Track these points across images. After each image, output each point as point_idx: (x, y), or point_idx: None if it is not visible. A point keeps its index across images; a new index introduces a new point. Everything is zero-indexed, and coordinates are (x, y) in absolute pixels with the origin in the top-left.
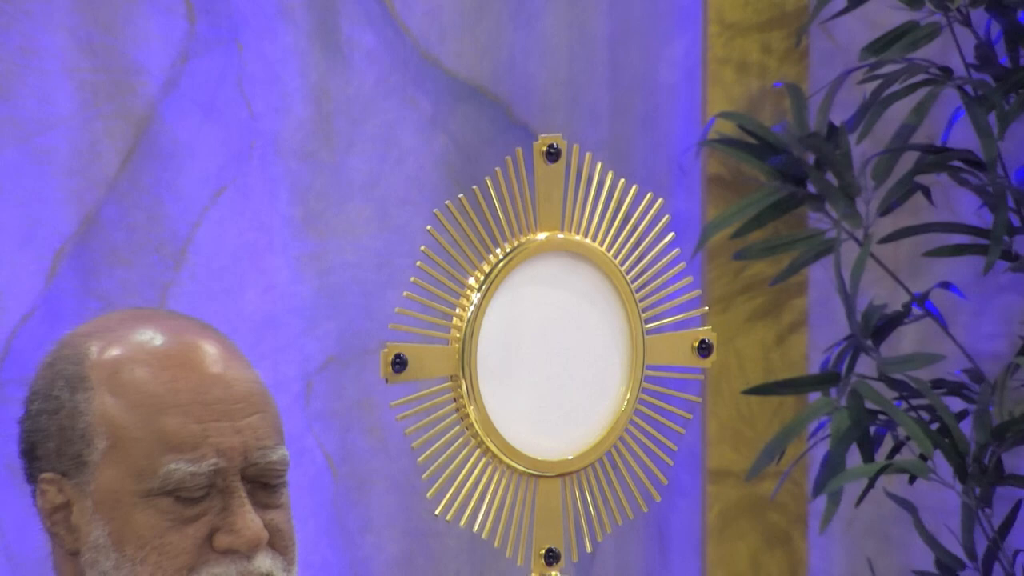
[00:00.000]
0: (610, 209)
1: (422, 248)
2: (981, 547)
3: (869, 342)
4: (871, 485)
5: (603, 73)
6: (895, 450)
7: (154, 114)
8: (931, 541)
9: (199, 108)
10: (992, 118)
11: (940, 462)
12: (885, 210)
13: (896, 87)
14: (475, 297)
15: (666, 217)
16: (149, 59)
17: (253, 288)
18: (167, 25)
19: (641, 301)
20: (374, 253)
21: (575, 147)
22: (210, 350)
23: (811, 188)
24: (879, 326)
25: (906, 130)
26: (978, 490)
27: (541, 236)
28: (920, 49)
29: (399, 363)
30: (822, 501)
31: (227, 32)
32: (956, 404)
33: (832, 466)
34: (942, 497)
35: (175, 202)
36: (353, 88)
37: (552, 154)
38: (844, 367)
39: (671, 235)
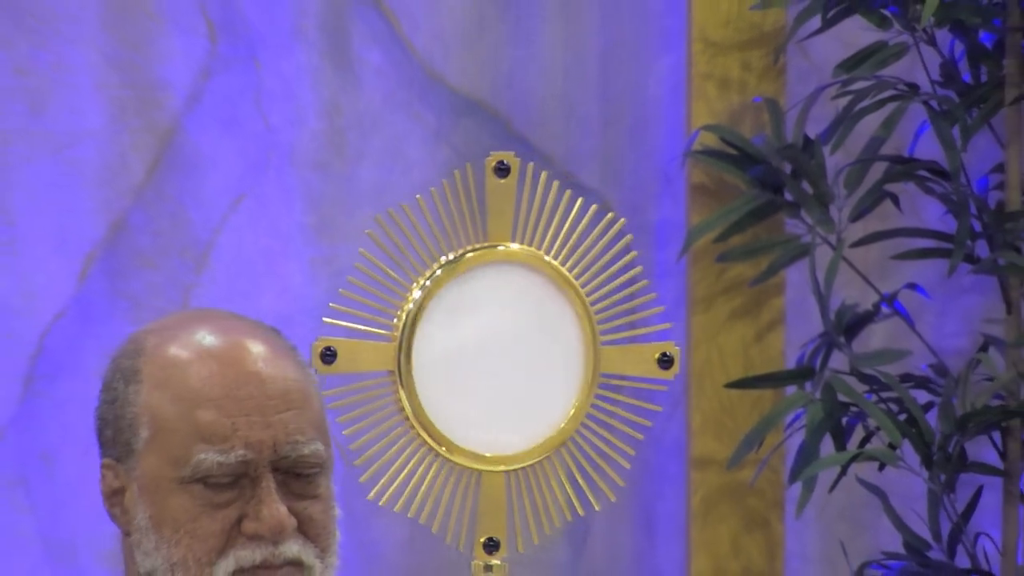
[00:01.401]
0: (566, 225)
1: (361, 251)
2: (946, 529)
3: (842, 339)
4: (843, 472)
5: (595, 88)
6: (866, 440)
7: (178, 127)
8: (899, 524)
9: (220, 122)
10: (956, 131)
11: (908, 451)
12: (856, 216)
13: (866, 102)
14: (415, 295)
15: (628, 236)
16: (173, 76)
17: (269, 290)
18: (190, 44)
19: (598, 313)
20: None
21: (530, 165)
22: (253, 349)
23: (788, 196)
24: (851, 324)
25: (876, 142)
26: (943, 477)
27: (490, 247)
28: (889, 67)
29: (329, 355)
30: (798, 487)
31: (246, 51)
32: (922, 397)
33: (807, 455)
34: (909, 483)
35: (197, 209)
36: (363, 103)
37: (502, 170)
38: (818, 362)
39: (633, 253)
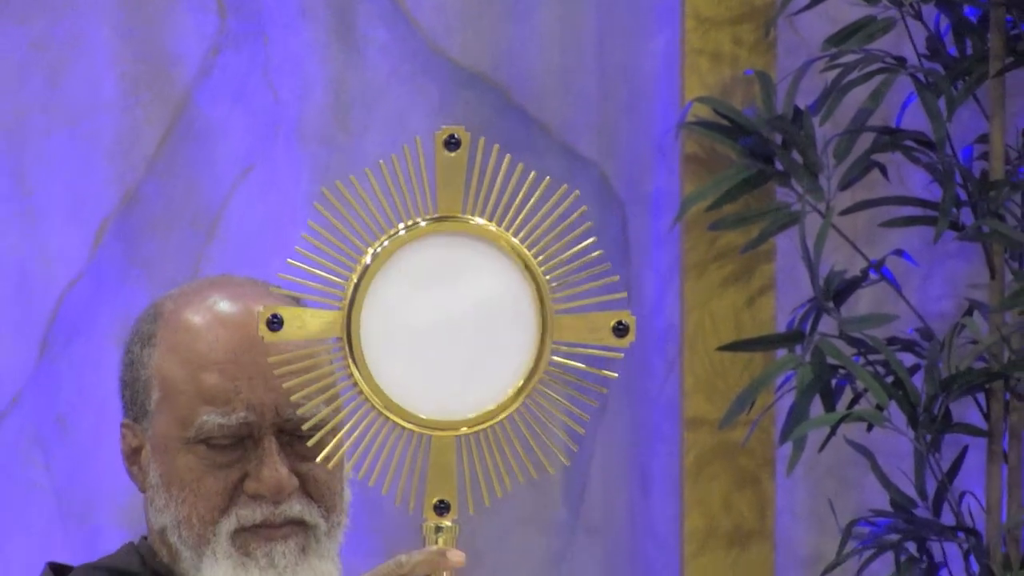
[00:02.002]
0: (519, 197)
1: (310, 223)
2: (931, 488)
3: (830, 304)
4: (832, 432)
5: (592, 62)
6: (854, 401)
7: (189, 101)
8: (886, 483)
9: (229, 95)
10: (941, 103)
11: (894, 412)
12: (845, 185)
13: (855, 75)
14: (364, 264)
15: (583, 208)
16: (185, 51)
17: (277, 256)
18: (201, 21)
19: (552, 282)
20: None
21: (481, 139)
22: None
23: (778, 166)
24: (839, 289)
25: (864, 113)
26: (928, 437)
27: (439, 218)
28: (876, 41)
29: (275, 322)
30: (788, 447)
31: (255, 27)
32: (908, 359)
33: (797, 415)
34: (896, 443)
35: (208, 179)
36: (368, 77)
37: (452, 143)
38: (808, 326)
39: (588, 224)
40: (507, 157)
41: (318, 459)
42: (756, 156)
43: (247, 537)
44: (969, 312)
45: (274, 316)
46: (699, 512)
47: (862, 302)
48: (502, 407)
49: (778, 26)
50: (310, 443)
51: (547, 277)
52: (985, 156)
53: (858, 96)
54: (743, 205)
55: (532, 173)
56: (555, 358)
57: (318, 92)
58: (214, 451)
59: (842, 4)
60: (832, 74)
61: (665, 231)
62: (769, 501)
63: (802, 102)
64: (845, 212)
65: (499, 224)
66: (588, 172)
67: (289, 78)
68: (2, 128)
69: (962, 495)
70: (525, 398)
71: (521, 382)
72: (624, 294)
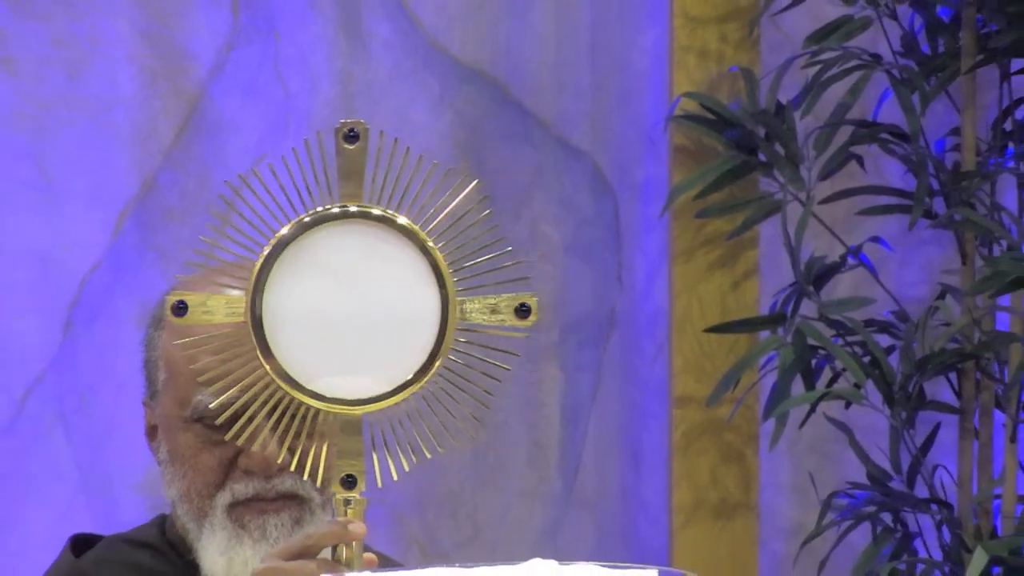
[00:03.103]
0: (419, 186)
1: (213, 212)
2: (906, 462)
3: (811, 288)
4: (812, 410)
5: (585, 59)
6: (833, 380)
7: (203, 94)
8: (864, 457)
9: (241, 89)
10: (915, 98)
11: (871, 390)
12: (824, 176)
13: (834, 71)
14: (267, 252)
15: (484, 196)
16: (199, 47)
17: None
18: (214, 18)
19: (453, 265)
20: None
21: (381, 132)
22: None
23: (761, 157)
24: (819, 274)
25: (842, 108)
26: (903, 414)
27: (340, 207)
28: (854, 39)
29: (180, 308)
30: (771, 423)
31: (265, 24)
32: (885, 340)
33: (779, 394)
34: (873, 420)
35: (221, 169)
36: (373, 71)
37: (351, 136)
38: (789, 309)
39: (489, 212)
40: (407, 148)
41: (226, 437)
42: (741, 148)
43: (242, 510)
44: (942, 296)
45: (180, 302)
46: (687, 486)
47: (841, 286)
48: (406, 386)
49: (761, 25)
50: (218, 421)
51: (448, 262)
52: (957, 148)
53: (837, 91)
54: (728, 194)
55: (434, 163)
56: (459, 339)
57: (325, 85)
58: (209, 429)
59: (822, 4)
60: (812, 70)
61: (654, 219)
62: (753, 475)
63: (784, 97)
64: (825, 201)
65: (399, 212)
66: (582, 162)
67: (298, 72)
68: (26, 120)
69: (935, 469)
70: (429, 378)
71: (426, 361)
72: (527, 277)
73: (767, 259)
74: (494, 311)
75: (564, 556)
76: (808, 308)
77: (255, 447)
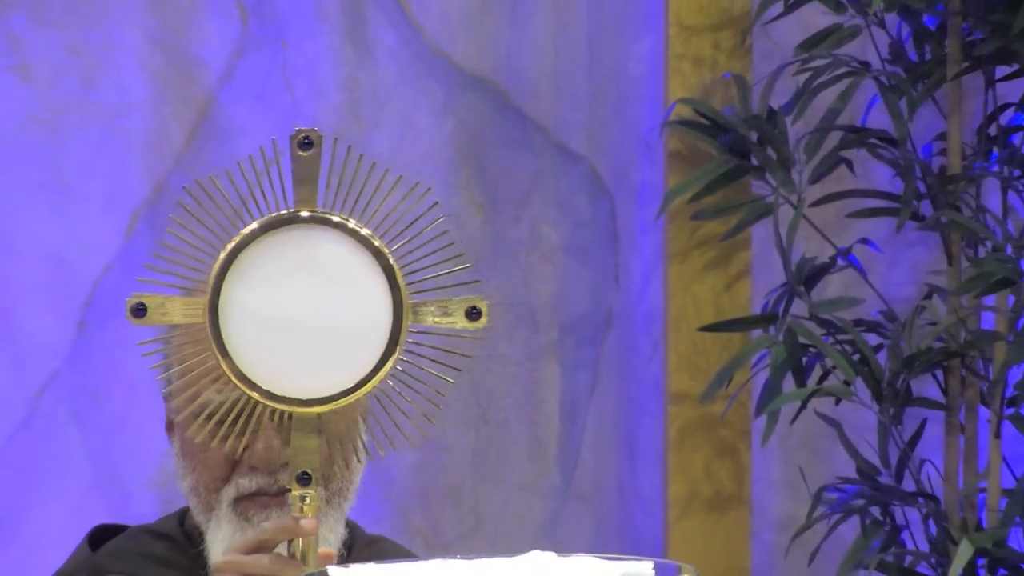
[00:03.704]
0: (373, 192)
1: (172, 217)
2: (894, 457)
3: (802, 288)
4: (803, 406)
5: (583, 66)
6: (823, 377)
7: (213, 100)
8: (853, 452)
9: (250, 95)
10: (903, 103)
11: (860, 387)
12: (815, 179)
13: (824, 78)
14: (225, 255)
15: (435, 202)
16: (209, 54)
17: None
18: (224, 27)
19: (405, 268)
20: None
21: (335, 139)
22: None
23: (754, 161)
24: (810, 275)
25: (832, 113)
26: (891, 410)
27: (295, 212)
28: (843, 46)
29: (140, 309)
30: (763, 419)
31: (274, 32)
32: (873, 339)
33: (771, 390)
34: (862, 416)
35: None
36: (377, 78)
37: (306, 143)
38: (781, 309)
39: (441, 218)
40: (360, 155)
41: (187, 433)
42: (734, 152)
43: (247, 504)
44: (929, 296)
45: (139, 303)
46: (682, 479)
47: (831, 286)
48: (361, 386)
49: (754, 33)
50: (177, 419)
51: (401, 266)
52: (943, 152)
53: (827, 97)
54: (722, 197)
55: (386, 170)
56: (411, 341)
57: (332, 92)
58: (218, 426)
59: (812, 13)
60: (803, 77)
61: (650, 221)
62: (746, 469)
63: (776, 103)
64: (815, 204)
65: (353, 217)
66: (580, 166)
67: (305, 79)
68: (42, 125)
69: (922, 463)
70: (381, 378)
71: (378, 362)
72: (479, 280)
73: (759, 260)
74: (445, 313)
75: (563, 548)
76: (799, 308)
77: (259, 444)
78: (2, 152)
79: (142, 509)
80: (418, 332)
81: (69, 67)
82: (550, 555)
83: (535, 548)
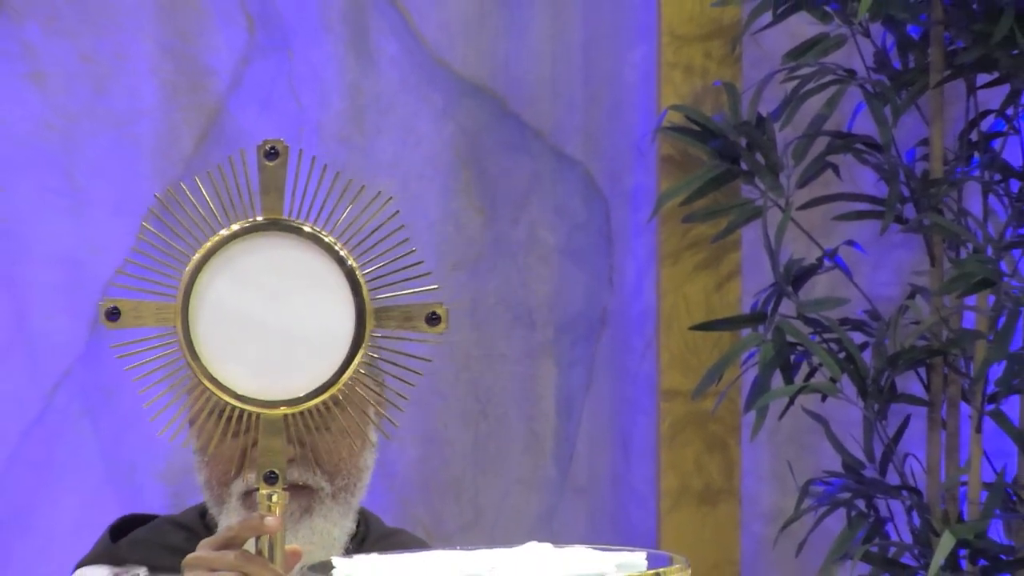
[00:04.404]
0: (336, 200)
1: (143, 223)
2: (878, 451)
3: (789, 288)
4: (791, 402)
5: (579, 73)
6: (810, 374)
7: (222, 107)
8: (839, 447)
9: (257, 102)
10: (887, 110)
11: (846, 384)
12: (802, 183)
13: (811, 85)
14: (195, 261)
15: (396, 211)
16: (217, 63)
17: None
18: (232, 36)
19: (367, 275)
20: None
21: (300, 149)
22: None
23: (743, 166)
24: (797, 275)
25: (819, 119)
26: (876, 406)
27: (262, 220)
28: (830, 55)
29: (114, 313)
30: (752, 415)
31: (280, 41)
32: (859, 338)
33: (760, 387)
34: (847, 412)
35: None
36: (380, 86)
37: (271, 154)
38: (770, 308)
39: (402, 226)
40: (325, 165)
41: (159, 433)
42: (724, 157)
43: (255, 498)
44: (912, 296)
45: (113, 308)
46: (674, 473)
47: (817, 287)
48: (326, 388)
49: (743, 42)
50: (151, 419)
51: (363, 273)
52: (926, 157)
53: (814, 104)
54: (712, 200)
55: (350, 180)
56: (374, 345)
57: (336, 99)
58: (227, 423)
59: (800, 22)
60: (791, 85)
61: (643, 224)
62: (735, 463)
63: (764, 109)
64: (802, 207)
65: (318, 225)
66: (575, 171)
67: (310, 87)
68: (55, 131)
69: (905, 458)
70: (345, 380)
71: (341, 366)
72: (437, 286)
73: (749, 261)
74: (407, 318)
75: (559, 539)
76: (787, 307)
77: (198, 448)
78: (17, 157)
79: (153, 502)
80: (381, 336)
81: (82, 75)
82: (547, 546)
83: (532, 539)
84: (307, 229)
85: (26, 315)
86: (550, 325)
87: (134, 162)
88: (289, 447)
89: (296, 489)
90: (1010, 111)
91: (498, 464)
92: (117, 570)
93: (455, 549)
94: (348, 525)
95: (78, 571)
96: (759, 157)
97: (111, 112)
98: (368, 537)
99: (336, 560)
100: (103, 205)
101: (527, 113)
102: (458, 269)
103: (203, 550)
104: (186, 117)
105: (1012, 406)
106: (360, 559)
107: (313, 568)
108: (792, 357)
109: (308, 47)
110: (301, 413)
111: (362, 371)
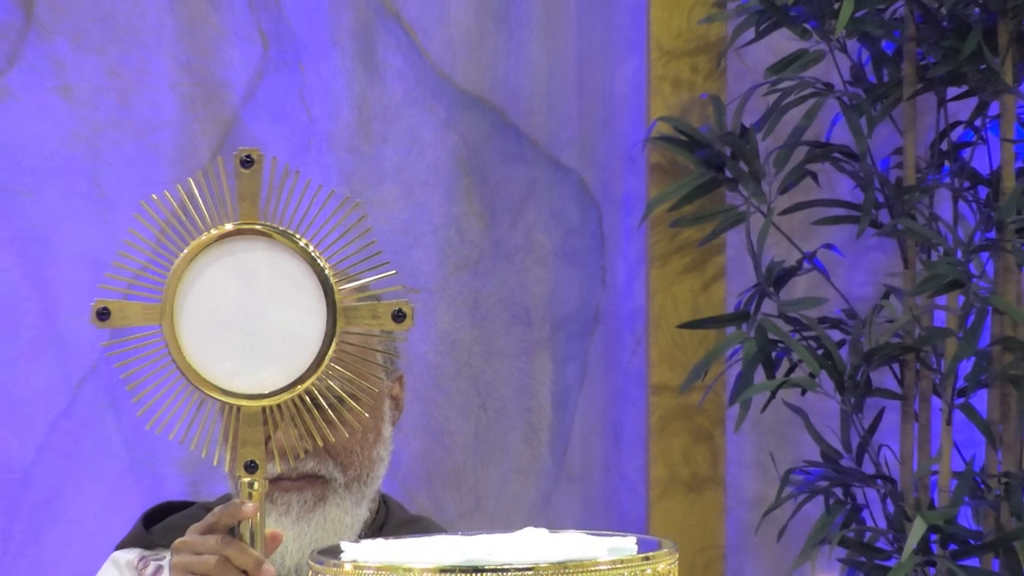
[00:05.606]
0: (308, 205)
1: (130, 229)
2: (855, 442)
3: (771, 289)
4: (773, 396)
5: (573, 87)
6: (791, 370)
7: (237, 118)
8: (817, 438)
9: (270, 114)
10: (863, 121)
11: (824, 379)
12: (783, 190)
13: (791, 98)
14: (177, 264)
15: (364, 214)
16: (233, 76)
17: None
18: (247, 51)
19: (337, 276)
20: (402, 223)
21: (274, 157)
22: None
23: (728, 174)
24: (778, 277)
25: (799, 130)
26: (852, 400)
27: (239, 226)
28: (809, 69)
29: (104, 313)
30: (736, 408)
31: (292, 56)
32: (836, 335)
33: (743, 382)
34: (826, 405)
35: None
36: (386, 98)
37: (247, 162)
38: (753, 308)
39: (369, 228)
40: (297, 172)
41: (147, 427)
42: (710, 166)
43: (271, 488)
44: (886, 296)
45: (103, 308)
46: (662, 463)
47: (797, 287)
48: (301, 382)
49: (728, 57)
50: (138, 415)
51: (333, 273)
52: (899, 166)
53: (794, 116)
54: (699, 206)
55: (319, 186)
56: (344, 342)
57: (345, 110)
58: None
59: (781, 39)
60: (772, 97)
61: (634, 228)
62: (720, 453)
63: (748, 120)
64: (783, 212)
65: (291, 229)
66: (569, 178)
67: (320, 99)
68: (82, 141)
69: (880, 448)
70: (318, 375)
71: (315, 360)
72: (402, 286)
73: (733, 263)
74: (375, 316)
75: (554, 524)
76: (769, 307)
77: (280, 433)
78: (46, 165)
79: (173, 490)
80: (351, 333)
81: (107, 88)
82: (543, 531)
83: (529, 525)
84: (282, 233)
85: (55, 314)
86: (546, 323)
87: (155, 170)
88: (305, 440)
89: (311, 479)
90: (978, 122)
91: (497, 454)
92: (147, 553)
93: (457, 534)
94: (362, 514)
95: (113, 554)
96: (743, 165)
97: (134, 123)
98: (388, 523)
99: (344, 544)
100: (127, 210)
101: (525, 124)
102: (460, 270)
103: (189, 535)
104: (203, 128)
105: (980, 400)
106: (367, 543)
107: (323, 552)
108: (774, 354)
109: (318, 62)
110: (317, 405)
111: (333, 366)
